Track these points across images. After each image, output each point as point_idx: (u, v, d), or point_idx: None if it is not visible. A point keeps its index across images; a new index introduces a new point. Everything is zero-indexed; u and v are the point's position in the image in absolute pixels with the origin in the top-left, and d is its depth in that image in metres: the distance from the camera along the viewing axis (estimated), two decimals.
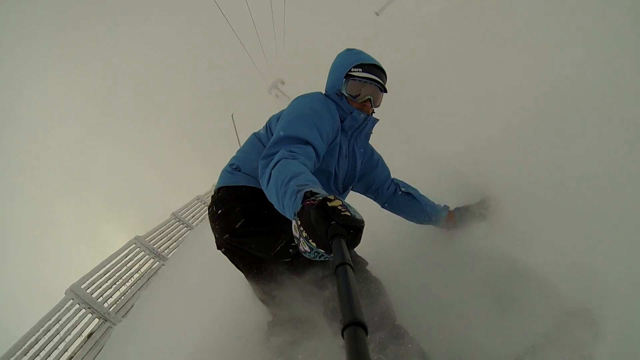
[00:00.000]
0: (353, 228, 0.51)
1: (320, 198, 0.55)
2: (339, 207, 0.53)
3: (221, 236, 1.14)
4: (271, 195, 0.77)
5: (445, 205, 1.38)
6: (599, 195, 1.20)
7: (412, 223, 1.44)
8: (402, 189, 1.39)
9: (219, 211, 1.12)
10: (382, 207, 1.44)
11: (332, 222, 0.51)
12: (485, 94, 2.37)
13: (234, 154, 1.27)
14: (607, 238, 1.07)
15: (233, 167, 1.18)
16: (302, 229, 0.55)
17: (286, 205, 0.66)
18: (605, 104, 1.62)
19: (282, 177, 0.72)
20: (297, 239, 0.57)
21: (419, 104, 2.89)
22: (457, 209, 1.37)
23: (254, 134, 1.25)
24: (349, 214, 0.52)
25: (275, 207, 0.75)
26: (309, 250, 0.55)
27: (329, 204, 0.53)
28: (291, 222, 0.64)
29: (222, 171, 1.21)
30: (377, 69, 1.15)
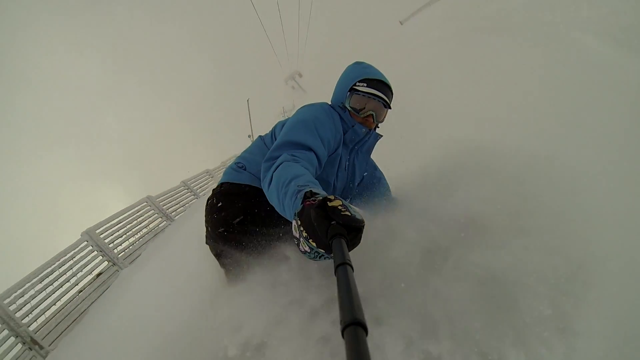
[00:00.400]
0: (353, 228, 0.50)
1: (321, 198, 0.54)
2: (339, 207, 0.51)
3: (215, 229, 1.08)
4: (272, 197, 0.75)
5: None
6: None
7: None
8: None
9: (219, 204, 1.09)
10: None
11: (332, 222, 0.50)
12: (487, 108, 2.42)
13: (242, 142, 1.25)
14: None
15: (239, 166, 1.16)
16: (302, 229, 0.54)
17: (286, 205, 0.65)
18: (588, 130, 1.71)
19: (283, 178, 0.71)
20: (297, 239, 0.56)
21: (422, 115, 2.93)
22: None
23: (260, 136, 1.24)
24: (349, 214, 0.51)
25: (275, 208, 0.74)
26: (309, 251, 0.54)
27: (329, 204, 0.52)
28: (289, 225, 0.63)
29: (227, 168, 1.20)
30: (382, 85, 1.11)
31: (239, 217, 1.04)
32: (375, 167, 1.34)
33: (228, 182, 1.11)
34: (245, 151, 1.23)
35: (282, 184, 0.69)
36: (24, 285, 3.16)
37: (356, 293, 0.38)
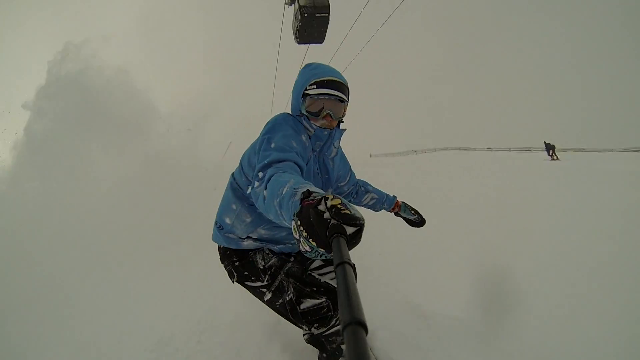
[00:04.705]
0: (353, 226, 0.49)
1: (319, 197, 0.53)
2: (339, 206, 0.50)
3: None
4: (269, 209, 0.71)
5: (394, 196, 1.59)
6: None
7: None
8: (362, 187, 1.54)
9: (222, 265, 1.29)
10: None
11: (332, 221, 0.49)
12: None
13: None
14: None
15: (217, 226, 1.25)
16: (302, 229, 0.52)
17: (284, 209, 0.62)
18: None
19: (277, 187, 0.68)
20: (297, 239, 0.54)
21: None
22: (403, 202, 1.59)
23: (232, 176, 1.25)
24: (349, 212, 0.49)
25: (274, 220, 0.71)
26: (309, 250, 0.53)
27: (328, 203, 0.50)
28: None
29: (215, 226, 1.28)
30: (333, 83, 1.08)
31: (234, 277, 1.24)
32: (341, 161, 1.37)
33: (218, 245, 1.27)
34: (220, 205, 1.27)
35: (277, 192, 0.66)
36: None
37: (356, 292, 0.37)
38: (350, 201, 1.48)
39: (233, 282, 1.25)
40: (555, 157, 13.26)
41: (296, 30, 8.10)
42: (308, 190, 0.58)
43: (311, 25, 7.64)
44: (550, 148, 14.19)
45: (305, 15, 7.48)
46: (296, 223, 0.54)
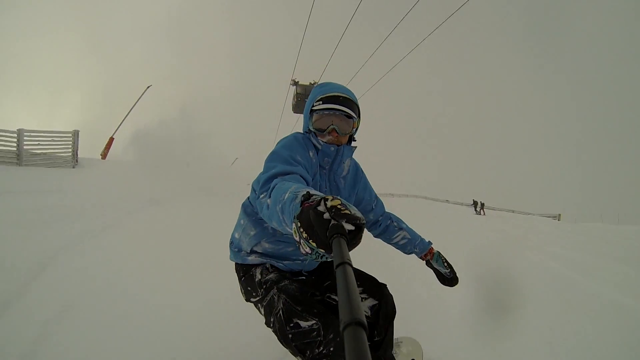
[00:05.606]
0: (353, 226, 0.48)
1: (319, 198, 0.53)
2: (339, 206, 0.49)
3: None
4: (272, 216, 0.69)
5: (429, 241, 1.39)
6: None
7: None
8: (395, 223, 1.39)
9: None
10: (375, 237, 1.44)
11: (332, 221, 0.48)
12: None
13: None
14: None
15: (230, 242, 1.30)
16: (302, 230, 0.51)
17: (286, 214, 0.61)
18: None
19: (279, 194, 0.68)
20: (298, 241, 0.53)
21: None
22: (438, 251, 1.38)
23: (247, 198, 1.26)
24: (349, 212, 0.49)
25: (278, 227, 0.70)
26: (310, 252, 0.52)
27: (328, 203, 0.50)
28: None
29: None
30: (338, 98, 1.09)
31: (242, 292, 1.24)
32: (360, 185, 1.32)
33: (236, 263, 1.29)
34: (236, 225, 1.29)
35: (279, 198, 0.65)
36: None
37: (356, 292, 0.36)
38: (377, 237, 1.41)
39: (244, 299, 1.24)
40: (481, 213, 17.05)
41: (293, 105, 14.05)
42: (308, 192, 0.57)
43: (302, 104, 13.65)
44: (476, 204, 18.38)
45: (299, 99, 13.64)
46: (296, 225, 0.52)
